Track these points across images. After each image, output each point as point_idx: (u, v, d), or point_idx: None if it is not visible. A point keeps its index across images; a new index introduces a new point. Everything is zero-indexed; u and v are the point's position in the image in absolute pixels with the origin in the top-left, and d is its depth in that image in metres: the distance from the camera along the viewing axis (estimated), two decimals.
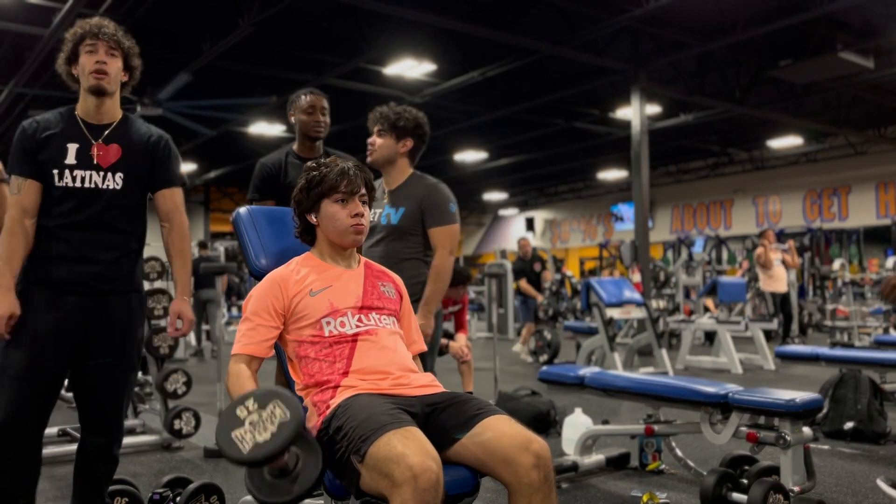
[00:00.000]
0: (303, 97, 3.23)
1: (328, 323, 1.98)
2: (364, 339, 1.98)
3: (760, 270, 9.53)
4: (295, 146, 3.31)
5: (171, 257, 2.53)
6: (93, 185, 2.32)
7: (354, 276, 2.10)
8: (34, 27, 8.56)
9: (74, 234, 2.31)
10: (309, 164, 2.13)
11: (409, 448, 1.61)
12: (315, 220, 2.09)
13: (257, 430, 1.55)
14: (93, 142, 2.33)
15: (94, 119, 2.36)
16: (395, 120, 2.86)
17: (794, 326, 10.75)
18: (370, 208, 2.14)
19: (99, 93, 2.34)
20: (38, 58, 9.20)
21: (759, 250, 9.41)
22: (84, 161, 2.31)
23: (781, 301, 9.43)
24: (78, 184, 2.30)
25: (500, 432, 1.77)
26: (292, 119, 3.28)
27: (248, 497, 2.48)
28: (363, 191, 2.09)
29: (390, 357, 1.99)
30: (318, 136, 3.24)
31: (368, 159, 2.89)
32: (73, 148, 2.31)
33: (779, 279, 9.44)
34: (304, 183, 2.09)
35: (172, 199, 2.48)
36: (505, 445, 1.74)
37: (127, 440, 4.13)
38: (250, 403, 1.59)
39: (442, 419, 1.86)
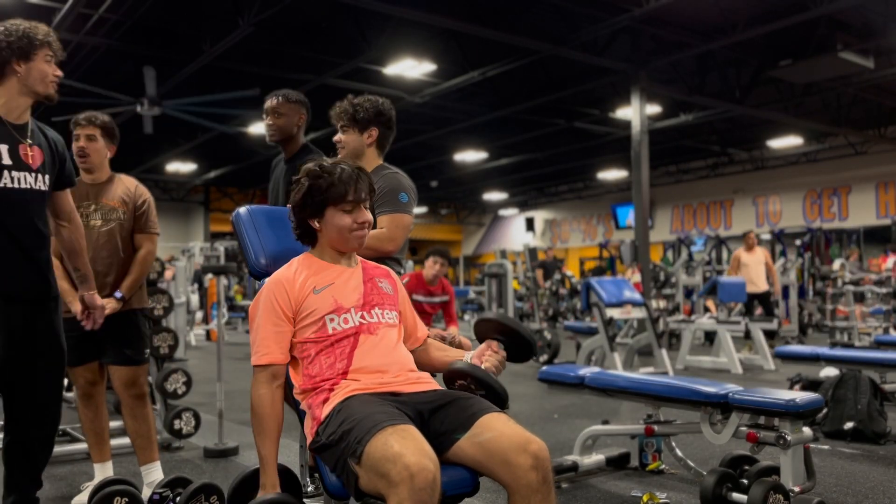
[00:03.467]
0: (265, 102, 3.24)
1: (332, 320, 1.97)
2: (366, 335, 1.97)
3: None
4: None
5: (77, 254, 2.54)
6: (28, 187, 2.28)
7: (354, 274, 2.10)
8: None
9: (7, 239, 2.26)
10: (310, 168, 2.06)
11: (405, 447, 1.61)
12: (318, 225, 2.07)
13: None
14: (21, 142, 2.29)
15: (18, 120, 2.32)
16: (353, 112, 2.75)
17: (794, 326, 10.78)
18: (371, 211, 2.12)
19: (50, 100, 2.35)
20: None
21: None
22: (18, 162, 2.26)
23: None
24: (15, 185, 2.25)
25: (498, 432, 1.77)
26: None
27: None
28: (367, 197, 2.07)
29: (390, 357, 1.99)
30: (271, 139, 3.23)
31: (339, 157, 2.76)
32: (4, 148, 2.25)
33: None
34: (306, 189, 2.03)
35: (70, 198, 2.53)
36: (503, 446, 1.74)
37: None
38: None
39: (441, 419, 1.85)
